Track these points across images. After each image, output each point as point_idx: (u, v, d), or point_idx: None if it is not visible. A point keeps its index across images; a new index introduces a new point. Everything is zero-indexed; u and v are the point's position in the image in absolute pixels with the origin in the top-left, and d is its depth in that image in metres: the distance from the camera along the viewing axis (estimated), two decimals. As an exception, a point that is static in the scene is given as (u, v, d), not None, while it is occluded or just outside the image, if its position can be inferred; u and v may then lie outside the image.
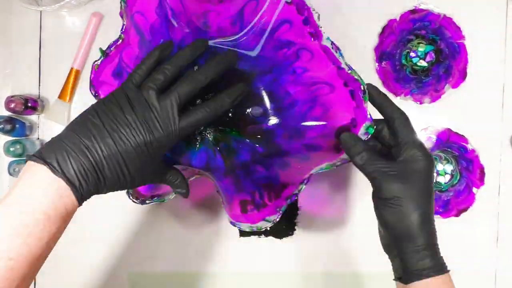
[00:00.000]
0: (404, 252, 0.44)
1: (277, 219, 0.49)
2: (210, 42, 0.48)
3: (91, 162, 0.39)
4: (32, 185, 0.38)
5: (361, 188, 0.65)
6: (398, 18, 0.65)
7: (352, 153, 0.45)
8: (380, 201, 0.44)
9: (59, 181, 0.38)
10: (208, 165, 0.50)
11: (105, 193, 0.42)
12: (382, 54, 0.66)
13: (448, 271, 0.44)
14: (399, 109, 0.47)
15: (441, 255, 0.45)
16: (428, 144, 0.65)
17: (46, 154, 0.38)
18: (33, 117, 0.65)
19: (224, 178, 0.51)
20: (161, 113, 0.41)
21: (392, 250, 0.46)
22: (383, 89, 0.65)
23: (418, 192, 0.44)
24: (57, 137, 0.40)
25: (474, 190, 0.65)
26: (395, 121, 0.46)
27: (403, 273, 0.44)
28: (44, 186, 0.38)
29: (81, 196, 0.39)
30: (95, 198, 0.64)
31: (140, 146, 0.40)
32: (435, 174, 0.65)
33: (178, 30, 0.48)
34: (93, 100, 0.47)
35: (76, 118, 0.41)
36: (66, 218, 0.39)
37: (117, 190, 0.42)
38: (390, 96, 0.66)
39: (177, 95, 0.42)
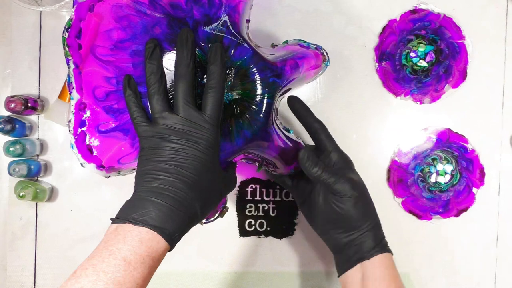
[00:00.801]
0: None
1: None
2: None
3: (173, 201, 0.41)
4: (112, 238, 0.39)
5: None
6: (398, 18, 0.65)
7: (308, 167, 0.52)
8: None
9: (139, 228, 0.39)
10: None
11: (200, 220, 0.44)
12: (382, 54, 0.66)
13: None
14: (318, 120, 0.56)
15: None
16: (428, 145, 0.65)
17: (124, 212, 0.41)
18: (33, 117, 0.65)
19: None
20: (186, 123, 0.42)
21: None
22: (383, 89, 0.65)
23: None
24: (132, 197, 0.42)
25: (474, 190, 0.65)
26: (318, 131, 0.56)
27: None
28: (123, 235, 0.39)
29: (169, 234, 0.40)
30: (95, 199, 0.64)
31: (199, 163, 0.42)
32: (435, 173, 0.65)
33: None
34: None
35: (135, 182, 0.43)
36: (151, 262, 0.40)
37: (207, 210, 0.44)
38: (390, 96, 0.66)
39: (181, 99, 0.43)
